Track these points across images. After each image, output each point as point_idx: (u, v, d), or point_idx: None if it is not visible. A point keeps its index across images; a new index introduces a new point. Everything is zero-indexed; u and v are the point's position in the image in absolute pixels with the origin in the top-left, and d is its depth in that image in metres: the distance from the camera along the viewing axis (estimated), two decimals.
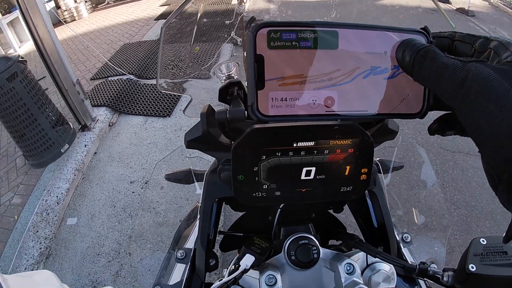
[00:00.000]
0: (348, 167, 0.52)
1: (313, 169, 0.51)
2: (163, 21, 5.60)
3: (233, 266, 0.56)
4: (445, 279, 0.42)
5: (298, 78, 0.43)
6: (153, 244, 2.14)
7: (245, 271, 0.53)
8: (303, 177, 0.52)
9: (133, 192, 2.55)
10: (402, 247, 0.70)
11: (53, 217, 2.38)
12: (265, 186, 0.53)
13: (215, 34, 4.81)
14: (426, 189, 2.38)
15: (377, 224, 0.67)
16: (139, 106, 3.50)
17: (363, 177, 0.53)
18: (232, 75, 0.75)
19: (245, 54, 0.45)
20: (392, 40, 0.43)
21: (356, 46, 0.42)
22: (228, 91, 0.65)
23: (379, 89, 0.45)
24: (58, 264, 2.13)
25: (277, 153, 0.50)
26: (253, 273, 0.56)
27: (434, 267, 0.45)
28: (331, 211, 0.85)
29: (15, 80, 2.39)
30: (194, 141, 0.59)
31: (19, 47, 5.82)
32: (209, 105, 0.59)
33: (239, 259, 0.58)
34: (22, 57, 2.52)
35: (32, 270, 2.08)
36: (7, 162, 3.02)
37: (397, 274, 0.50)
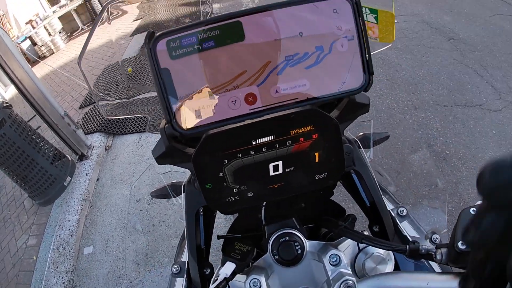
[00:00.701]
0: (317, 154, 0.50)
1: (280, 163, 0.49)
2: (140, 35, 5.54)
3: (217, 276, 0.55)
4: (438, 257, 0.39)
5: (210, 82, 0.41)
6: (170, 257, 2.14)
7: (227, 279, 0.51)
8: (271, 173, 0.50)
9: (141, 210, 2.55)
10: (398, 222, 0.67)
11: (70, 250, 2.40)
12: (235, 190, 0.51)
13: None
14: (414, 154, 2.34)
15: (369, 203, 0.65)
16: (131, 125, 3.49)
17: (336, 160, 0.51)
18: None
19: None
20: (308, 15, 0.40)
21: (265, 32, 0.40)
22: None
23: (305, 77, 0.42)
24: None
25: (238, 155, 0.48)
26: (241, 278, 0.55)
27: (425, 246, 0.42)
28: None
29: (4, 126, 2.40)
30: (161, 157, 0.57)
31: (5, 91, 5.82)
32: None
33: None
34: (6, 102, 2.53)
35: None
36: (16, 206, 3.04)
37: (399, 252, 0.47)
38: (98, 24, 0.70)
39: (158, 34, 0.39)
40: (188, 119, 0.42)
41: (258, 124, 0.46)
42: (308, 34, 0.40)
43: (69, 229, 2.51)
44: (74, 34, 7.98)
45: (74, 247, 2.43)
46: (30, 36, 6.83)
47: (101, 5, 8.02)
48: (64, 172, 2.81)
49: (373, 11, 0.69)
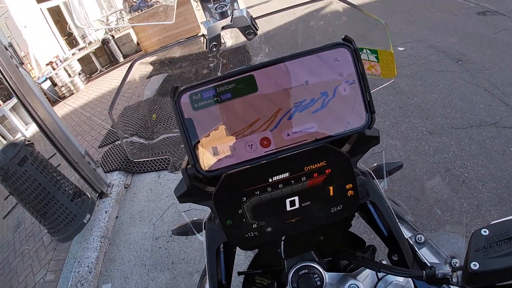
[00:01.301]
0: (331, 188, 0.52)
1: (296, 198, 0.52)
2: (156, 77, 5.77)
3: None
4: (454, 280, 0.39)
5: (229, 129, 0.46)
6: None
7: None
8: (288, 208, 0.52)
9: (160, 247, 2.55)
10: (417, 249, 0.66)
11: (88, 287, 2.40)
12: (254, 225, 0.53)
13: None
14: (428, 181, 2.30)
15: (386, 232, 0.66)
16: (150, 163, 3.57)
17: (350, 192, 0.53)
18: None
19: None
20: (312, 65, 0.44)
21: (275, 83, 0.45)
22: None
23: (313, 121, 0.46)
24: None
25: (256, 192, 0.50)
26: None
27: (442, 270, 0.42)
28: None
29: (26, 164, 2.49)
30: (182, 196, 0.60)
31: (26, 130, 6.06)
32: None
33: None
34: (28, 140, 2.63)
35: None
36: (35, 241, 3.09)
37: (417, 278, 0.48)
38: (127, 79, 0.76)
39: (181, 88, 0.44)
40: (210, 161, 0.46)
41: (274, 163, 0.49)
42: (313, 82, 0.45)
43: (87, 266, 2.52)
44: (92, 76, 8.38)
45: (93, 283, 2.43)
46: (51, 77, 7.18)
47: (118, 48, 8.44)
48: (83, 210, 2.86)
49: (373, 51, 0.74)
